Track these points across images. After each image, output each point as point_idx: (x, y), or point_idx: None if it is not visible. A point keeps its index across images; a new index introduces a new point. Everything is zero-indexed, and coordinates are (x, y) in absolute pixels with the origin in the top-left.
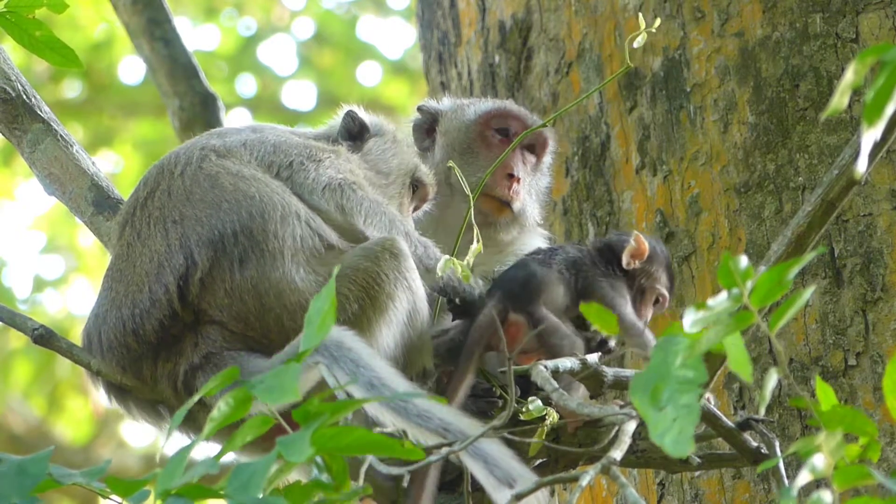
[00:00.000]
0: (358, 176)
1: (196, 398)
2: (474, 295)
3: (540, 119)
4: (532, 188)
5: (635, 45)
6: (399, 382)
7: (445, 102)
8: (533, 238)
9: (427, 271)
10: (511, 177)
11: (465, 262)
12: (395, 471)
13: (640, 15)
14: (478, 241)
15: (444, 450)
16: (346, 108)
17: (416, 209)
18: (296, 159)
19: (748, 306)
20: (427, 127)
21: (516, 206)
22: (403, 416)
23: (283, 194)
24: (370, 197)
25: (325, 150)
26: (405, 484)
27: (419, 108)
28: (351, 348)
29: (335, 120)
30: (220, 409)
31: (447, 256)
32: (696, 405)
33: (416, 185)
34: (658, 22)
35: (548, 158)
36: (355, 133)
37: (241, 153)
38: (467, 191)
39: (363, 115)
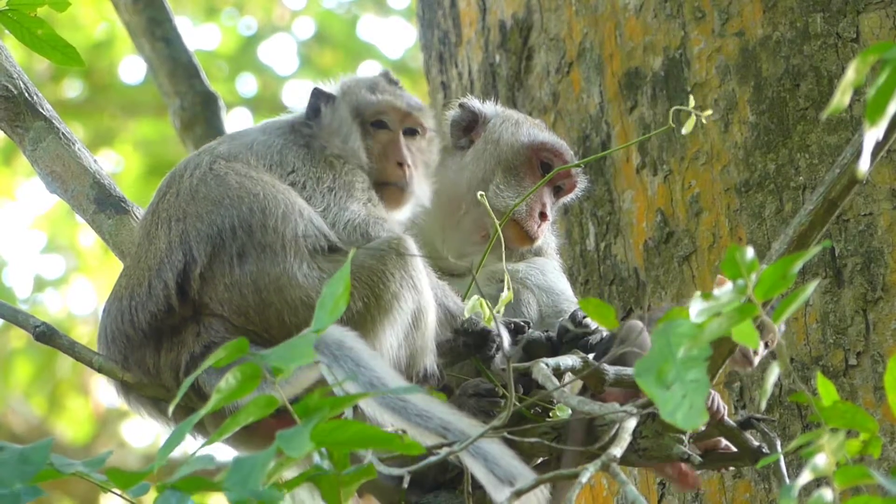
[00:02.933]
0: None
1: (202, 369)
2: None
3: (576, 158)
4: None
5: (683, 131)
6: (399, 383)
7: (490, 107)
8: (549, 259)
9: (451, 316)
10: (543, 216)
11: (495, 309)
12: (395, 471)
13: (692, 97)
14: (509, 289)
15: (445, 450)
16: (311, 86)
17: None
18: (308, 181)
19: (752, 298)
20: (465, 125)
21: (538, 243)
22: (403, 416)
23: (289, 194)
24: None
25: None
26: (405, 485)
27: (461, 105)
28: (352, 348)
29: (301, 102)
30: (228, 381)
31: (476, 297)
32: (705, 378)
33: (377, 125)
34: (709, 112)
35: (567, 199)
36: (317, 109)
37: (247, 157)
38: (496, 222)
39: (327, 87)
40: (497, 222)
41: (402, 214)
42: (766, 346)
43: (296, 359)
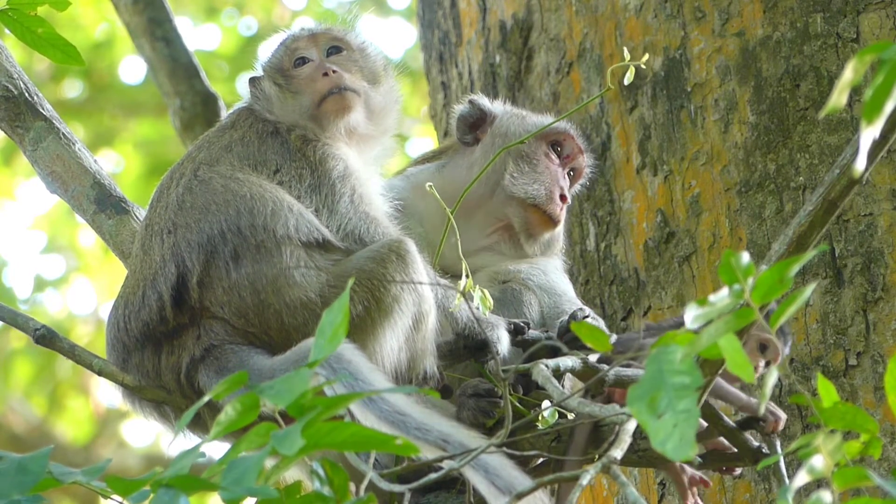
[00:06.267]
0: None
1: (203, 401)
2: (493, 336)
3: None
4: None
5: (625, 81)
6: (397, 397)
7: (498, 106)
8: (552, 258)
9: (452, 317)
10: (563, 198)
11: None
12: (396, 488)
13: (626, 49)
14: (468, 276)
15: (446, 463)
16: (248, 76)
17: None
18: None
19: (749, 303)
20: (472, 122)
21: (559, 228)
22: (402, 429)
23: (277, 192)
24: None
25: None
26: (406, 502)
27: (471, 101)
28: (350, 360)
29: (245, 94)
30: (228, 413)
31: (463, 282)
32: (696, 410)
33: (298, 64)
34: (646, 57)
35: (579, 185)
36: (256, 95)
37: (230, 159)
38: (447, 211)
39: (258, 74)
40: (448, 210)
41: (358, 118)
42: (768, 364)
43: (293, 396)
